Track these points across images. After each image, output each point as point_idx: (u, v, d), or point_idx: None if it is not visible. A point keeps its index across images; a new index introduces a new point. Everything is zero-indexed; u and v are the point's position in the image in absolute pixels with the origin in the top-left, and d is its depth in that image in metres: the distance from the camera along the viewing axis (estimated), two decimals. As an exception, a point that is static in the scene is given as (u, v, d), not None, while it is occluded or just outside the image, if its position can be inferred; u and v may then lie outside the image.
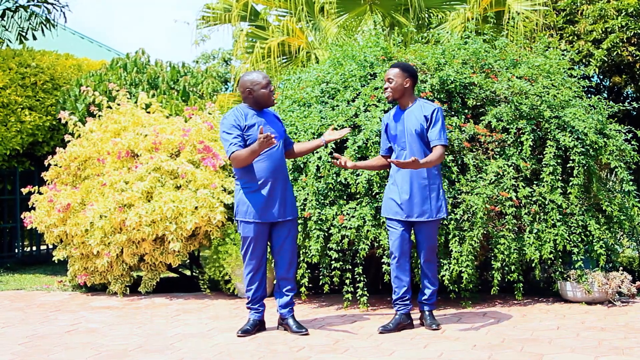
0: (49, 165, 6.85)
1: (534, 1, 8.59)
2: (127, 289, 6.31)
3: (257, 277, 4.58)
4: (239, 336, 4.46)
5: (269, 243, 4.67)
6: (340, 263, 5.30)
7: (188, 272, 7.39)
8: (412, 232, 4.67)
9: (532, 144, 5.37)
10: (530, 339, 4.26)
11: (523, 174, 5.37)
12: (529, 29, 8.46)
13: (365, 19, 9.17)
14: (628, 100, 9.35)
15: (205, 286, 6.27)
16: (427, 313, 4.65)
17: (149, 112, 6.94)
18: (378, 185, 5.19)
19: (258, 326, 4.61)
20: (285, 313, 4.61)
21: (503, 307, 5.33)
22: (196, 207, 5.88)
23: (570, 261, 5.40)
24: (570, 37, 8.31)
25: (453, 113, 5.53)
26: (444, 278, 5.18)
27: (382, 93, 4.62)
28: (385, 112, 5.23)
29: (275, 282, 4.73)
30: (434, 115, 4.50)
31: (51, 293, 6.60)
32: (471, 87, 5.58)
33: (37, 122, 8.28)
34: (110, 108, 6.94)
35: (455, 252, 5.11)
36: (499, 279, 5.24)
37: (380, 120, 5.11)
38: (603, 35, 8.05)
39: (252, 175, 4.49)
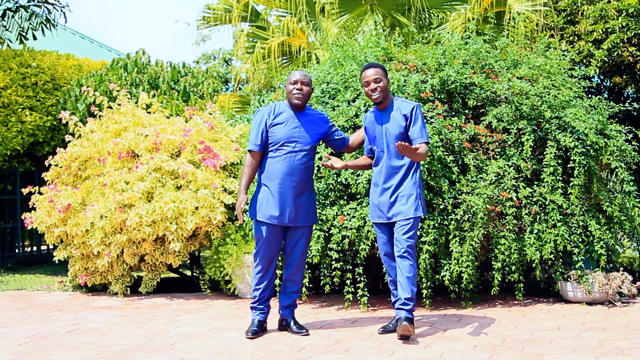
0: (50, 165, 6.85)
1: (534, 1, 8.60)
2: (128, 289, 6.31)
3: (265, 278, 4.53)
4: (248, 338, 4.40)
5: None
6: (341, 263, 5.30)
7: (188, 273, 7.39)
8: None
9: (532, 145, 5.37)
10: (530, 339, 4.26)
11: (523, 174, 5.37)
12: (529, 29, 8.47)
13: (366, 19, 9.18)
14: (629, 101, 9.35)
15: (206, 286, 6.27)
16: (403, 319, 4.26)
17: (149, 113, 6.94)
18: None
19: (263, 327, 4.57)
20: (286, 314, 4.60)
21: (504, 308, 5.33)
22: (197, 208, 5.88)
23: (571, 261, 5.40)
24: (571, 38, 8.31)
25: (454, 113, 5.53)
26: (444, 278, 5.19)
27: (369, 95, 4.50)
28: None
29: (280, 282, 4.72)
30: (413, 114, 4.39)
31: (52, 293, 6.60)
32: (472, 88, 5.58)
33: (38, 123, 8.28)
34: (111, 108, 6.94)
35: (456, 252, 5.11)
36: (500, 279, 5.24)
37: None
38: (603, 35, 8.05)
39: (268, 174, 4.48)
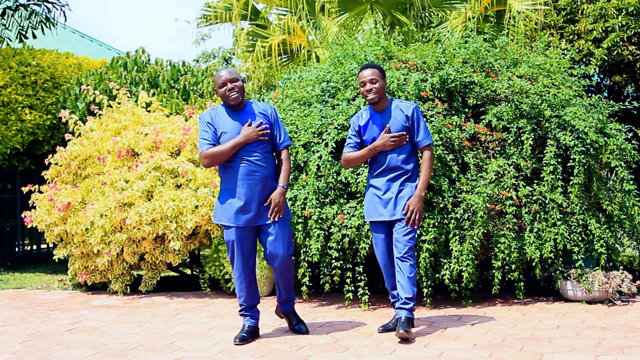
0: (50, 164, 6.85)
1: (534, 0, 8.60)
2: (128, 287, 6.31)
3: (245, 284, 4.34)
4: (236, 344, 4.23)
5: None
6: (341, 262, 5.29)
7: (188, 271, 7.39)
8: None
9: (532, 143, 5.37)
10: (530, 338, 4.26)
11: (523, 173, 5.37)
12: (529, 28, 8.47)
13: (365, 18, 9.18)
14: (628, 100, 9.33)
15: (206, 285, 6.27)
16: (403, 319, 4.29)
17: (149, 111, 6.94)
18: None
19: (253, 333, 4.38)
20: (286, 309, 4.56)
21: (503, 306, 5.33)
22: (196, 206, 5.88)
23: (571, 260, 5.40)
24: (571, 36, 8.31)
25: (453, 112, 5.53)
26: (444, 277, 5.19)
27: (365, 95, 4.42)
28: None
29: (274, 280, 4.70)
30: (414, 115, 4.38)
31: (51, 292, 6.60)
32: (472, 86, 5.58)
33: (38, 121, 8.28)
34: (111, 107, 6.94)
35: (456, 251, 5.11)
36: (500, 278, 5.24)
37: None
38: (603, 34, 8.05)
39: (226, 176, 4.32)
